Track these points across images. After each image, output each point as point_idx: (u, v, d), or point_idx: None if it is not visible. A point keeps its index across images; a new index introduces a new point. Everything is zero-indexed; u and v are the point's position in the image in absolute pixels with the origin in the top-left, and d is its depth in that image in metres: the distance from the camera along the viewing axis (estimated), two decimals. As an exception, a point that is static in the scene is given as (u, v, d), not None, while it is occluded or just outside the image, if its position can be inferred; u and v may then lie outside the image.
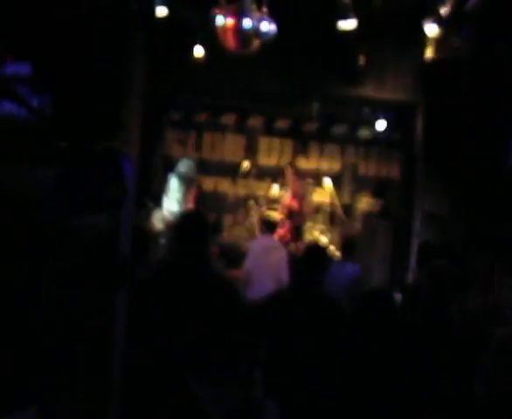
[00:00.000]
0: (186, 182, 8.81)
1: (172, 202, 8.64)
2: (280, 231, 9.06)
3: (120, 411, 2.62)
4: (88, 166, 2.28)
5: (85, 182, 2.25)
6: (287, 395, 4.17)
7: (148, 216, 8.49)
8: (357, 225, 10.88)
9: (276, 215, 8.51)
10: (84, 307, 2.42)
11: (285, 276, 6.84)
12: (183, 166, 9.02)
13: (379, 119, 10.49)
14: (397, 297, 5.60)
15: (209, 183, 11.23)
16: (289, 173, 10.11)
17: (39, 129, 2.54)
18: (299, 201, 9.84)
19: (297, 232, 9.52)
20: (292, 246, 8.97)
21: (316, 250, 5.12)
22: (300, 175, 10.39)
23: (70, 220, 2.31)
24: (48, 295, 2.37)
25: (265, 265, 6.99)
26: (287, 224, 9.45)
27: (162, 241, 8.03)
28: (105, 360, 2.50)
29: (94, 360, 2.48)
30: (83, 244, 2.39)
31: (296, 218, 9.63)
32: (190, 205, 9.19)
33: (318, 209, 10.49)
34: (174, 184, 8.74)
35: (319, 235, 9.87)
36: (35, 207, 2.31)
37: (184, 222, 4.25)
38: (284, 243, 8.75)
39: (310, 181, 10.43)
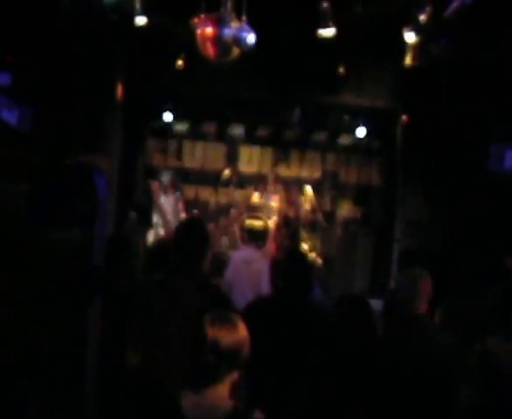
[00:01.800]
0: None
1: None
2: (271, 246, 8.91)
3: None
4: (60, 181, 2.27)
5: (56, 197, 2.24)
6: (272, 405, 4.16)
7: (133, 229, 8.48)
8: (338, 232, 10.89)
9: (260, 223, 8.37)
10: (57, 320, 2.41)
11: (266, 289, 6.79)
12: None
13: (359, 126, 10.43)
14: (378, 304, 5.59)
15: (190, 192, 11.22)
16: (272, 180, 10.07)
17: (12, 144, 2.53)
18: (295, 208, 9.76)
19: (292, 242, 9.33)
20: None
21: (296, 257, 5.11)
22: (283, 182, 10.37)
23: (42, 234, 2.31)
24: (20, 308, 2.36)
25: (245, 278, 6.93)
26: (277, 236, 9.28)
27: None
28: (78, 371, 2.50)
29: (67, 372, 2.47)
30: (55, 258, 2.39)
31: (292, 226, 9.51)
32: (183, 214, 9.18)
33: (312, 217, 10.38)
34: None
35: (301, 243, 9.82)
36: (7, 221, 2.30)
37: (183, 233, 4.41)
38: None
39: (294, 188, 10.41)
